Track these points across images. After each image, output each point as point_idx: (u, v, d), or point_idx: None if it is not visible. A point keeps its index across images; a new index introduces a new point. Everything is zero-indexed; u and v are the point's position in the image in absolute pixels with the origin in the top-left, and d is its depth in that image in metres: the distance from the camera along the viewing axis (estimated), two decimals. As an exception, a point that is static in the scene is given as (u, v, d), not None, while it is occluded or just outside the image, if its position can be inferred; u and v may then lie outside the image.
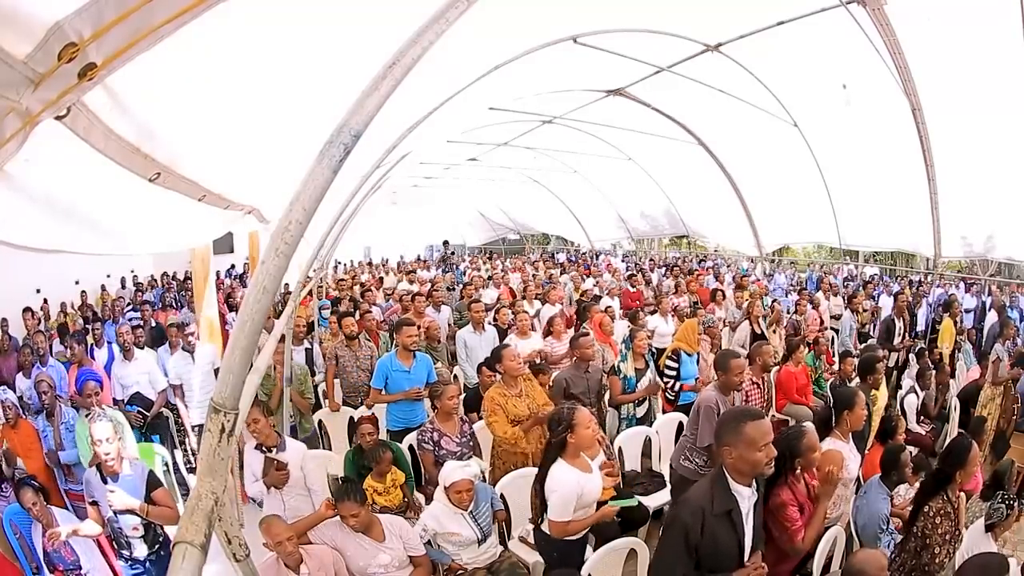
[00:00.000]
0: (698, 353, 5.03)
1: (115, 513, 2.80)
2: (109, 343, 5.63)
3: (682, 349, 4.82)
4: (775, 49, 5.53)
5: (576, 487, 2.59)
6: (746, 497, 2.00)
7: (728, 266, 13.66)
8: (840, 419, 3.03)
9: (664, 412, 4.70)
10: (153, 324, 6.87)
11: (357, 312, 5.95)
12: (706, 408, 3.29)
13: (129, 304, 8.99)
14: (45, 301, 9.00)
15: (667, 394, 4.83)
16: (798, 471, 2.56)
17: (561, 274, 11.71)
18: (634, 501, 2.80)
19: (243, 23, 1.47)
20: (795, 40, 5.27)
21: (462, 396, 4.47)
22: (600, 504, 2.79)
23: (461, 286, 9.07)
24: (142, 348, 5.36)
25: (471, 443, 3.56)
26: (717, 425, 2.09)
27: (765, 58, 5.84)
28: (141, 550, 2.90)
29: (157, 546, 2.96)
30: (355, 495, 2.64)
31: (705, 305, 7.44)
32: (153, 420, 4.74)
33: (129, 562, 2.91)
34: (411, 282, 10.18)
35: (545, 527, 2.67)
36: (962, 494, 2.85)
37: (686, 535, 1.88)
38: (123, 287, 11.26)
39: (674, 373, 4.77)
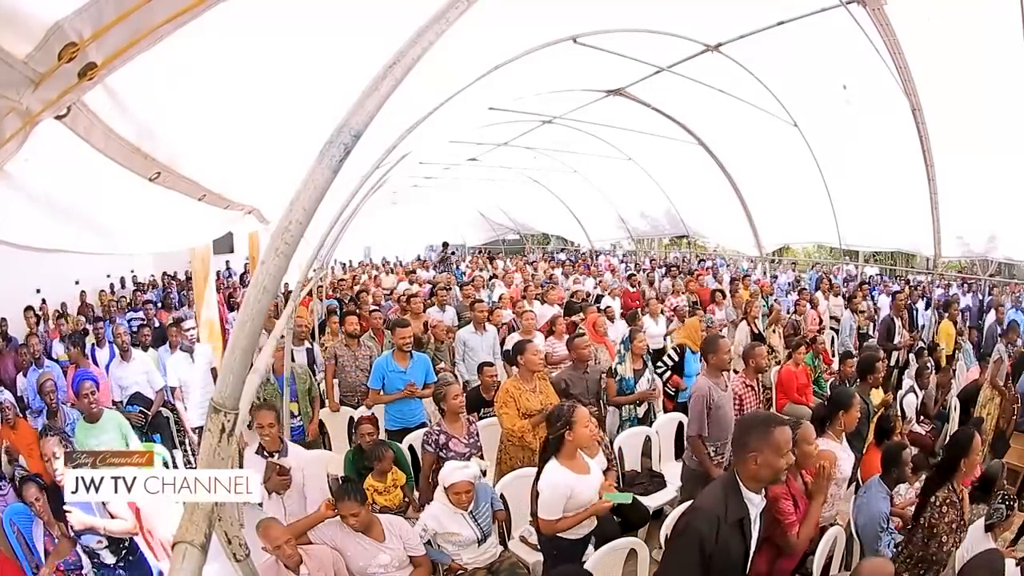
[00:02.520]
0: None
1: (75, 533, 2.86)
2: (111, 343, 5.62)
3: (688, 346, 4.83)
4: (775, 49, 5.52)
5: (565, 488, 2.57)
6: (756, 504, 1.96)
7: (728, 266, 13.66)
8: (835, 419, 3.04)
9: (666, 411, 4.71)
10: (156, 324, 6.86)
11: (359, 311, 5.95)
12: (697, 396, 3.35)
13: (129, 305, 8.97)
14: (44, 302, 8.99)
15: (667, 389, 4.82)
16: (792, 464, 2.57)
17: (561, 275, 11.72)
18: (628, 497, 2.80)
19: (243, 23, 1.47)
20: (795, 40, 5.26)
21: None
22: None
23: (460, 286, 9.06)
24: (146, 348, 5.35)
25: (478, 444, 3.56)
26: (741, 430, 2.02)
27: (765, 58, 5.83)
28: (109, 558, 2.96)
29: (124, 551, 3.00)
30: (355, 494, 2.63)
31: (705, 306, 7.44)
32: (153, 419, 4.74)
33: (100, 569, 2.96)
34: (411, 283, 10.19)
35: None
36: (964, 489, 2.87)
37: (701, 544, 1.80)
38: (122, 286, 11.24)
39: (670, 365, 4.77)
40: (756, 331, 6.24)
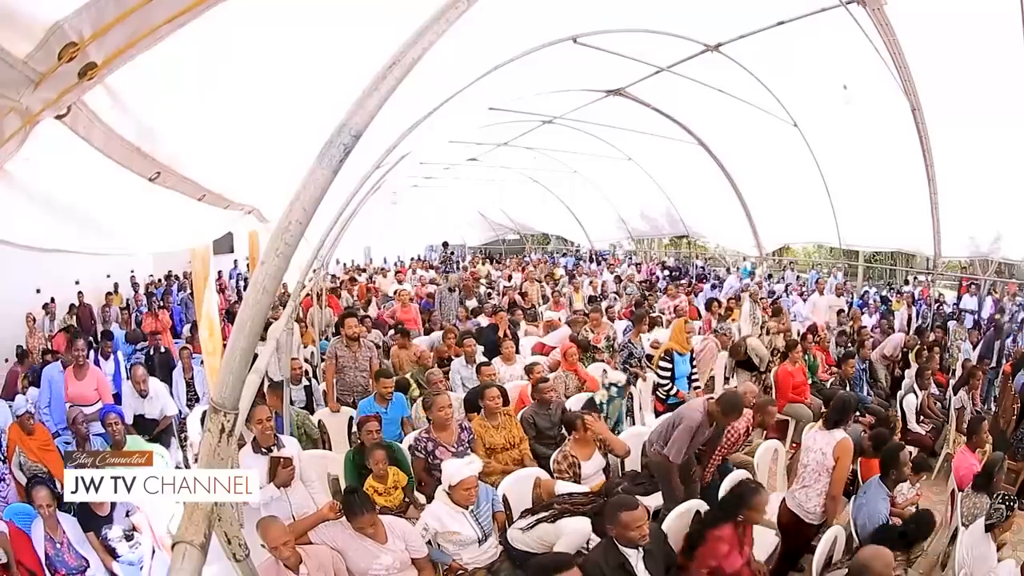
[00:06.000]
0: (690, 352, 5.08)
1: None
2: (115, 354, 5.61)
3: (674, 350, 4.86)
4: (775, 49, 5.52)
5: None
6: (632, 554, 2.43)
7: (728, 271, 13.62)
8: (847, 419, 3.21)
9: (657, 413, 4.73)
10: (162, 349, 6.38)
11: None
12: (687, 427, 3.35)
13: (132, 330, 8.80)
14: (52, 300, 8.96)
15: (659, 393, 4.85)
16: (740, 519, 2.68)
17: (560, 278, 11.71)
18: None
19: (243, 23, 1.47)
20: (795, 40, 5.27)
21: (459, 405, 4.43)
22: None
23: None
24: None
25: (469, 450, 3.57)
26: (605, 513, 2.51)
27: (765, 58, 5.83)
28: (134, 556, 3.14)
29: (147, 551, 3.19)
30: (366, 506, 2.65)
31: (692, 318, 7.46)
32: (159, 433, 4.69)
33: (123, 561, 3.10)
34: (401, 282, 10.16)
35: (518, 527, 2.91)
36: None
37: None
38: (116, 291, 11.07)
39: (668, 374, 4.79)
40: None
